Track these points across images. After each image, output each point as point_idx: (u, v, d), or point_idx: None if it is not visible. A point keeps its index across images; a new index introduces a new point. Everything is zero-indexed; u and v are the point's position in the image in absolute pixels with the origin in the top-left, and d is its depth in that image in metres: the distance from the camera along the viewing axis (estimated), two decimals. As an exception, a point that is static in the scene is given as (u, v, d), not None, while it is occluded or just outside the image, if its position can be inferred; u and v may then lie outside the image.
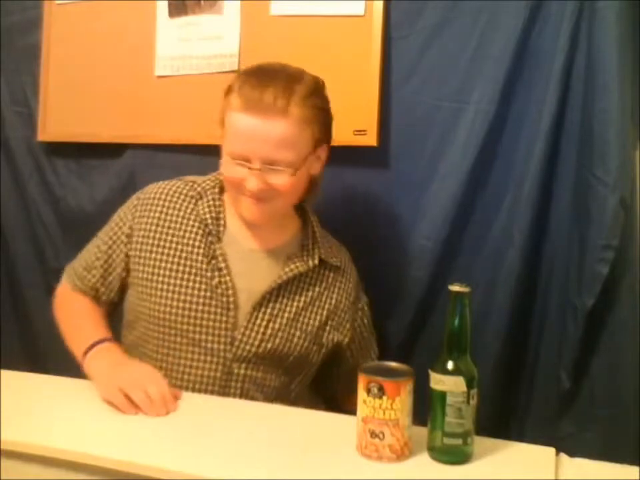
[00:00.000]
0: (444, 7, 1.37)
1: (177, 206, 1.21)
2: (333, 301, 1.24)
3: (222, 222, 1.20)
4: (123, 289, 1.25)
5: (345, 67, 1.42)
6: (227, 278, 1.16)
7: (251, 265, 1.19)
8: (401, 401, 0.87)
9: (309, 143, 1.14)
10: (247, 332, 1.16)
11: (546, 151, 1.31)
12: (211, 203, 1.21)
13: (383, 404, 0.87)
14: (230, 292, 1.16)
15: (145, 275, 1.19)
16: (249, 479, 0.86)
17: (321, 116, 1.15)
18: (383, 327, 1.46)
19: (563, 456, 0.93)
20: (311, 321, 1.21)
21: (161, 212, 1.21)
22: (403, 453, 0.89)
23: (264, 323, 1.17)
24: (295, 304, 1.20)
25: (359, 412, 0.90)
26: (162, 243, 1.19)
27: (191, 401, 1.10)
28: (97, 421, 0.99)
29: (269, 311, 1.18)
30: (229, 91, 1.13)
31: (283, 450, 0.92)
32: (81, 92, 1.67)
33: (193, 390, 1.16)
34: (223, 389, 1.17)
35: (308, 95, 1.12)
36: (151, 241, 1.20)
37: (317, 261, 1.22)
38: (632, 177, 1.22)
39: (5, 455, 0.92)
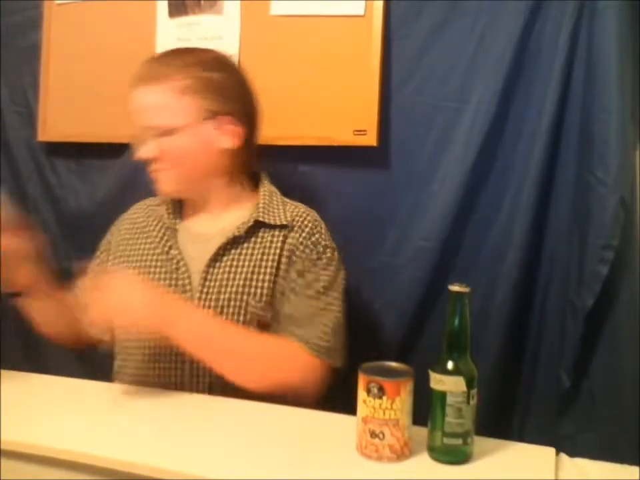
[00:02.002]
0: (444, 6, 1.37)
1: (142, 215, 1.31)
2: (277, 258, 1.20)
3: (178, 215, 1.27)
4: None
5: (345, 66, 1.42)
6: (181, 263, 1.21)
7: (202, 247, 1.22)
8: (400, 401, 0.87)
9: (192, 112, 1.18)
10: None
11: (546, 151, 1.31)
12: (170, 202, 1.28)
13: (382, 404, 0.87)
14: (185, 275, 1.20)
15: None
16: (248, 479, 0.86)
17: (212, 88, 1.19)
18: (383, 326, 1.46)
19: (563, 456, 0.93)
20: (263, 283, 1.19)
21: (130, 223, 1.31)
22: (403, 452, 0.89)
23: (213, 297, 1.18)
24: (243, 269, 1.19)
25: (359, 412, 0.90)
26: (130, 249, 1.27)
27: (191, 401, 1.10)
28: (96, 421, 0.99)
29: (217, 283, 1.19)
30: None
31: (283, 450, 0.92)
32: (81, 92, 1.67)
33: (166, 377, 1.17)
34: (191, 373, 1.17)
35: (193, 65, 1.18)
36: (122, 247, 1.29)
37: (250, 223, 1.20)
38: (632, 176, 1.22)
39: (5, 455, 0.92)
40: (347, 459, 0.90)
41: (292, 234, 1.21)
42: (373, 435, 0.88)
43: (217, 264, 1.20)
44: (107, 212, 1.36)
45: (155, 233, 1.26)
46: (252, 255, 1.20)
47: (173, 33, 1.57)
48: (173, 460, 0.88)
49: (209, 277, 1.19)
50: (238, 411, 1.06)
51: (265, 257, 1.20)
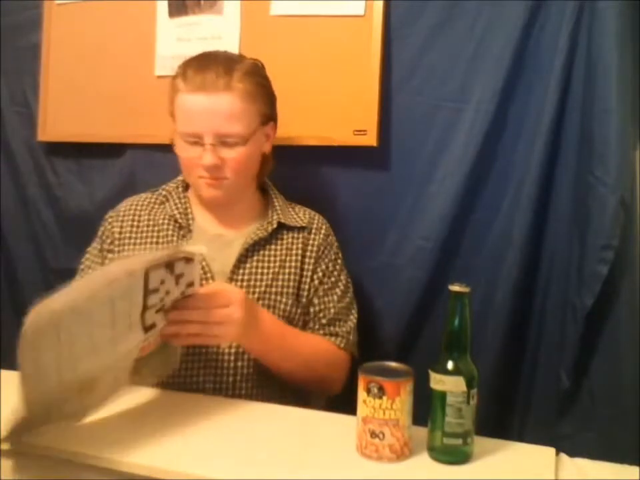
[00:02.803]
0: (444, 6, 1.37)
1: (147, 211, 1.28)
2: (300, 258, 1.25)
3: (190, 215, 1.27)
4: None
5: (345, 66, 1.42)
6: (204, 263, 1.20)
7: (221, 248, 1.23)
8: (400, 401, 0.87)
9: (256, 118, 1.21)
10: None
11: (546, 151, 1.31)
12: (177, 201, 1.29)
13: (382, 404, 0.87)
14: (208, 275, 1.20)
15: None
16: (248, 479, 0.86)
17: (264, 93, 1.23)
18: (383, 326, 1.46)
19: (563, 456, 0.93)
20: (289, 282, 1.23)
21: (133, 220, 1.27)
22: (403, 452, 0.89)
23: None
24: (268, 270, 1.23)
25: (358, 412, 0.90)
26: (138, 246, 1.25)
27: (191, 401, 1.10)
28: (96, 421, 0.99)
29: (244, 283, 1.21)
30: (173, 78, 1.20)
31: (283, 450, 0.92)
32: (81, 92, 1.67)
33: (190, 377, 1.17)
34: (215, 372, 1.18)
35: (248, 72, 1.20)
36: (127, 247, 1.25)
37: (274, 225, 1.25)
38: (632, 176, 1.22)
39: (5, 455, 0.92)
40: (347, 459, 0.90)
41: (311, 235, 1.28)
42: (373, 435, 0.88)
43: (243, 265, 1.22)
44: (107, 212, 1.35)
45: (170, 232, 1.25)
46: (276, 255, 1.24)
47: (172, 33, 1.57)
48: (173, 460, 0.88)
49: (235, 277, 1.21)
50: (238, 411, 1.06)
51: (288, 258, 1.25)
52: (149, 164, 1.60)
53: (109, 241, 1.27)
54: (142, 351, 0.97)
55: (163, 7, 1.57)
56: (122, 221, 1.28)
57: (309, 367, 1.18)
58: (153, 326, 0.96)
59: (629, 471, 0.90)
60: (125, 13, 1.61)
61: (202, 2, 1.54)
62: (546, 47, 1.31)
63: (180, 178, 1.32)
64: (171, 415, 1.03)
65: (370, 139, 1.41)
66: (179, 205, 1.27)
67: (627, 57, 1.21)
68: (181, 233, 1.25)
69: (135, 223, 1.27)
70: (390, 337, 1.45)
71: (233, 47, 1.49)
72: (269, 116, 1.25)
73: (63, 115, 1.69)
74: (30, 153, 1.76)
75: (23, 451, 0.91)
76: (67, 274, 1.39)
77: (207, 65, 1.17)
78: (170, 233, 1.25)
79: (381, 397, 0.87)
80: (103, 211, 1.35)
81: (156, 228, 1.26)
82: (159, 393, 1.12)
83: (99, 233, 1.30)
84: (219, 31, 1.52)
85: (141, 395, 1.12)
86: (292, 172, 1.48)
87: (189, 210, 1.27)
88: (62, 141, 1.71)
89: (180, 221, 1.25)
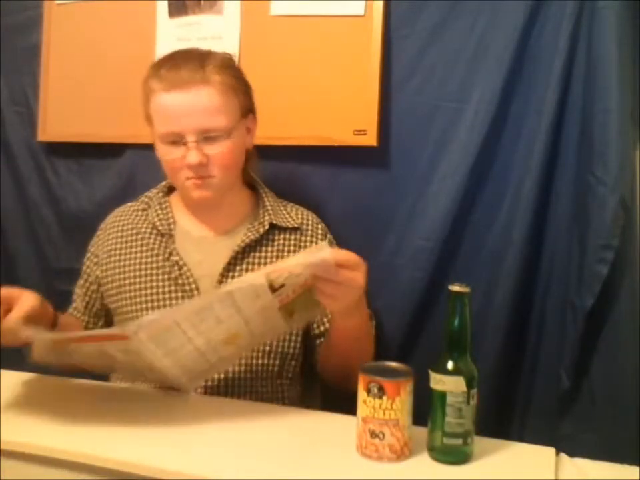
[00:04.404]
0: (444, 6, 1.37)
1: (130, 221, 1.28)
2: None
3: (171, 220, 1.25)
4: (108, 316, 1.30)
5: (345, 66, 1.42)
6: (185, 268, 1.19)
7: (206, 251, 1.22)
8: (400, 401, 0.87)
9: (237, 110, 1.18)
10: None
11: (546, 151, 1.31)
12: (158, 207, 1.27)
13: (382, 404, 0.87)
14: (190, 280, 1.19)
15: (115, 290, 1.24)
16: (249, 479, 0.86)
17: (241, 85, 1.20)
18: (383, 326, 1.46)
19: (563, 456, 0.93)
20: None
21: (117, 231, 1.28)
22: (403, 452, 0.89)
23: None
24: None
25: (358, 412, 0.90)
26: (123, 257, 1.25)
27: (191, 401, 1.10)
28: (97, 421, 0.99)
29: None
30: (146, 80, 1.18)
31: (282, 450, 0.92)
32: (81, 92, 1.67)
33: None
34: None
35: (222, 65, 1.17)
36: (113, 258, 1.26)
37: (266, 226, 1.23)
38: (632, 176, 1.22)
39: (5, 455, 0.92)
40: (347, 459, 0.90)
41: (306, 237, 1.26)
42: (373, 435, 0.88)
43: (233, 267, 1.20)
44: (107, 212, 1.36)
45: (151, 240, 1.24)
46: (267, 257, 1.22)
47: (173, 33, 1.57)
48: (173, 460, 0.88)
49: (225, 280, 1.19)
50: (238, 411, 1.06)
51: (280, 259, 1.21)
52: (149, 164, 1.59)
53: (99, 256, 1.28)
54: (283, 302, 0.99)
55: (163, 7, 1.57)
56: (109, 234, 1.29)
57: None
58: (282, 285, 0.97)
59: (629, 470, 0.90)
60: (125, 12, 1.61)
61: (202, 2, 1.54)
62: (546, 46, 1.31)
63: (162, 184, 1.32)
64: (170, 415, 1.03)
65: (370, 138, 1.41)
66: (159, 212, 1.26)
67: (627, 57, 1.21)
68: (163, 239, 1.23)
69: (121, 234, 1.27)
70: (390, 337, 1.45)
71: (233, 47, 1.49)
72: (248, 108, 1.22)
73: (63, 115, 1.69)
74: (30, 153, 1.76)
75: (22, 451, 0.92)
76: (67, 274, 1.40)
77: (180, 62, 1.15)
78: (152, 241, 1.24)
79: (381, 397, 0.87)
80: (103, 211, 1.35)
81: (139, 236, 1.25)
82: (157, 393, 1.12)
83: (89, 247, 1.32)
84: (219, 31, 1.52)
85: (139, 394, 1.12)
86: (292, 172, 1.48)
87: (169, 215, 1.26)
88: (62, 141, 1.71)
89: (160, 228, 1.24)
